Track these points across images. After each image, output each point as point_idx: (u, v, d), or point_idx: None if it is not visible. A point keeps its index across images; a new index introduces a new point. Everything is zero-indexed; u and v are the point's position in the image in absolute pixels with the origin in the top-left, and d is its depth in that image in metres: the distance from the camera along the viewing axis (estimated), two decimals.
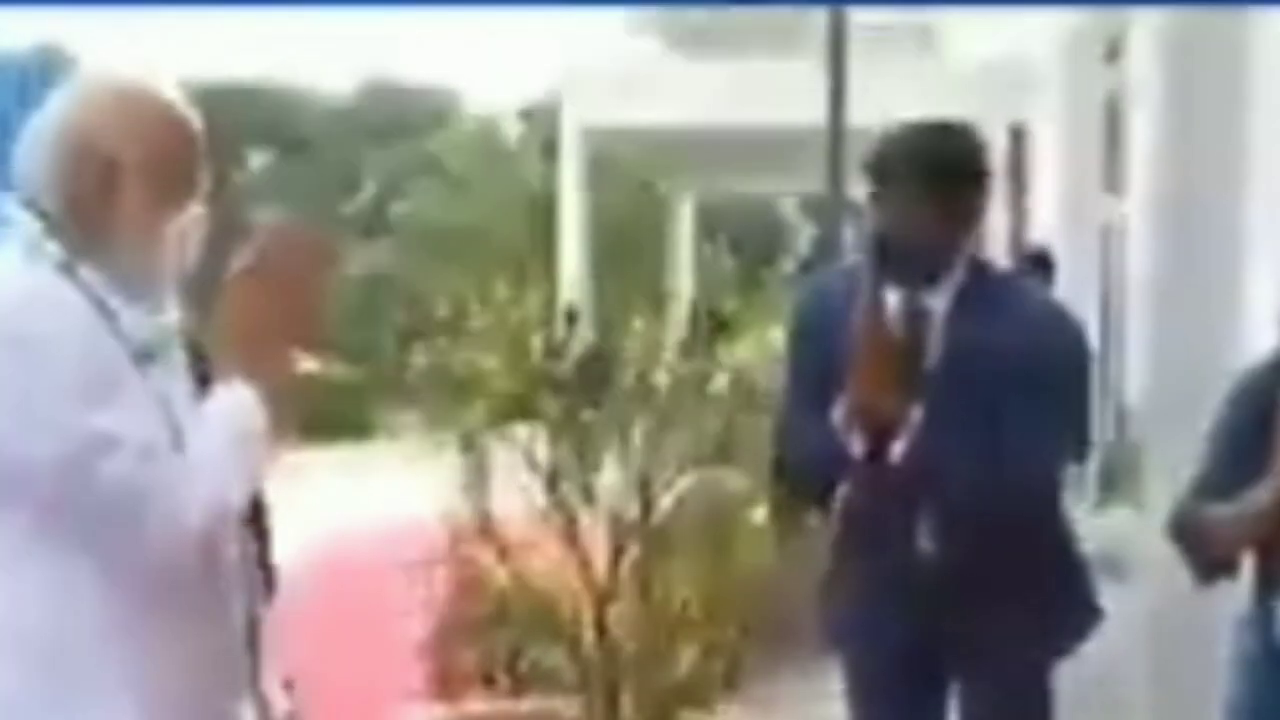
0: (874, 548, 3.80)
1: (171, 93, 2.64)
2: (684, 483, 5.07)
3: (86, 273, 2.54)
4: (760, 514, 5.39)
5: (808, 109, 11.96)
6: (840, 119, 11.18)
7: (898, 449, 3.63)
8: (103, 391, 2.45)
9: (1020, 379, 3.72)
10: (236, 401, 2.53)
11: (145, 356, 2.56)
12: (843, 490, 3.75)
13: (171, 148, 2.61)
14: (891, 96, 14.29)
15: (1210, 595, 3.79)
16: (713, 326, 6.47)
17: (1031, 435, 3.75)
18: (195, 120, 2.65)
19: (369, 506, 13.84)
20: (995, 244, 19.12)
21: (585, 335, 6.26)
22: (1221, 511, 3.61)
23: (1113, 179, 10.46)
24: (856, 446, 3.65)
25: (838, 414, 3.66)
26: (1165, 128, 6.32)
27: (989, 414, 3.70)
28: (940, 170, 3.72)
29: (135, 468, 2.43)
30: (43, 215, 2.55)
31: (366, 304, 33.63)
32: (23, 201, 2.57)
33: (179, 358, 2.68)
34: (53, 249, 2.54)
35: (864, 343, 3.60)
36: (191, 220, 2.63)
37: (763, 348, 6.40)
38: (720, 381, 5.97)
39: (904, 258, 3.68)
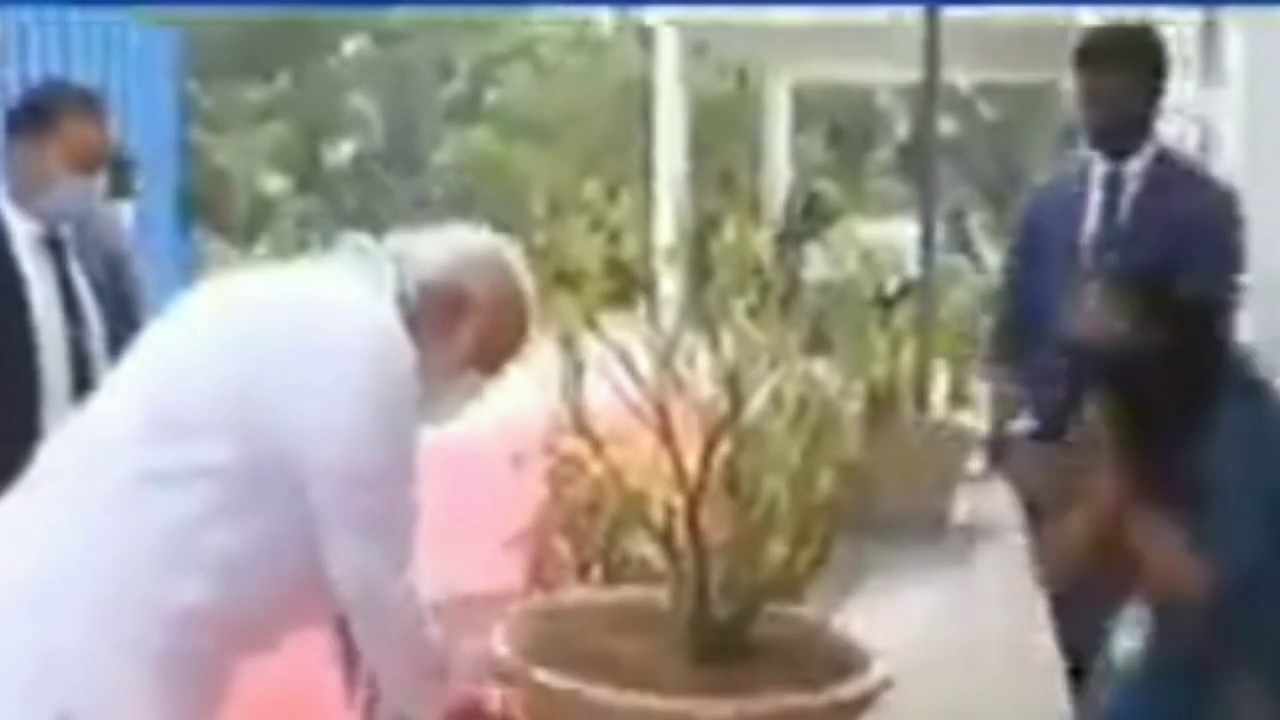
0: None
1: (524, 269, 2.97)
2: (775, 377, 5.11)
3: None
4: (853, 407, 5.42)
5: None
6: (936, 9, 11.10)
7: None
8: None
9: (1194, 242, 4.68)
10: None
11: None
12: None
13: (513, 318, 2.97)
14: None
15: None
16: (811, 215, 6.50)
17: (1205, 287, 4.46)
18: (533, 303, 2.96)
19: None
20: None
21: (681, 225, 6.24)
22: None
23: (1209, 73, 10.37)
24: None
25: None
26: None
27: (1163, 269, 4.47)
28: (1145, 62, 4.84)
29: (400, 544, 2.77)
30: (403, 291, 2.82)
31: (462, 190, 33.70)
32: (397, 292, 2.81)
33: None
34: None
35: None
36: (478, 386, 2.98)
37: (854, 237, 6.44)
38: (814, 272, 5.99)
39: (1109, 135, 4.87)
